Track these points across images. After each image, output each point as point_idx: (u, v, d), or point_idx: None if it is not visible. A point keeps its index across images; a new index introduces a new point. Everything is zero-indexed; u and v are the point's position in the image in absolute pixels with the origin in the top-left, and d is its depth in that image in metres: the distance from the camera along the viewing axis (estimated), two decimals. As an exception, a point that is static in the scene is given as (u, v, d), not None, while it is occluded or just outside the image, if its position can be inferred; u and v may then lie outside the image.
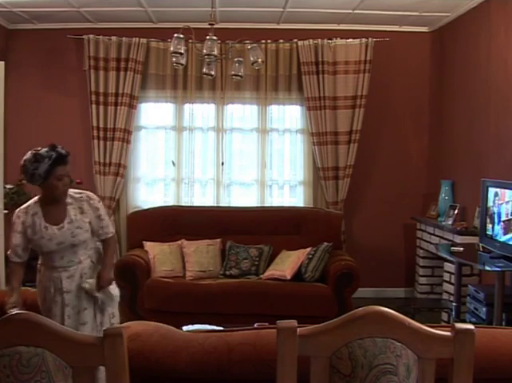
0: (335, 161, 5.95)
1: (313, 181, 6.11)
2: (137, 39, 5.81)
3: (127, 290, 4.94)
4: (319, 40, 5.84)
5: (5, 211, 5.33)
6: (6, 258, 5.43)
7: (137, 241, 5.37)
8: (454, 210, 5.14)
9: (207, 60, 4.29)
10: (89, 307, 3.09)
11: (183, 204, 5.98)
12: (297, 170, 6.20)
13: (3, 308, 2.85)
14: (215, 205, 6.02)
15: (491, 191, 4.07)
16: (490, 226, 4.07)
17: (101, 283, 3.08)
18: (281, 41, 5.93)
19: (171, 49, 4.08)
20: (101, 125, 5.88)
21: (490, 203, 4.07)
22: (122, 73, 5.84)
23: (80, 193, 3.20)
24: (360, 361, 1.46)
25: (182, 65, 4.29)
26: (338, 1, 5.19)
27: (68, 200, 3.11)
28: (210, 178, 6.13)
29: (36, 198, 3.08)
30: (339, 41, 5.88)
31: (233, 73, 4.56)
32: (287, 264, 5.04)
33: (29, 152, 2.94)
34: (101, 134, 5.89)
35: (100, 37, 5.84)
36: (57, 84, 6.04)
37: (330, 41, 5.86)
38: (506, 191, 3.87)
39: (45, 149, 2.96)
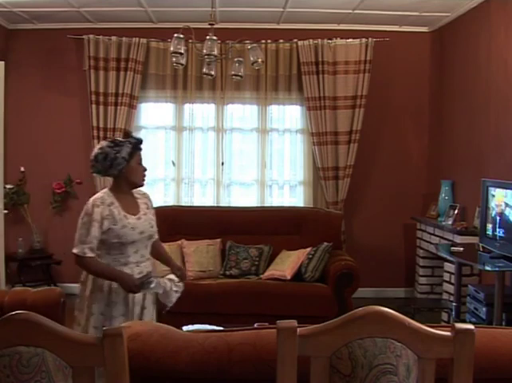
0: (335, 161, 5.95)
1: (313, 181, 6.11)
2: (137, 39, 5.81)
3: (127, 290, 4.94)
4: (319, 40, 5.84)
5: (5, 211, 5.34)
6: (6, 258, 5.46)
7: (137, 241, 5.36)
8: (454, 210, 5.14)
9: (207, 60, 4.29)
10: (149, 306, 3.06)
11: (183, 204, 5.98)
12: (297, 170, 6.20)
13: (3, 309, 2.84)
14: (215, 205, 6.02)
15: (491, 191, 4.07)
16: (490, 226, 4.07)
17: (184, 275, 3.14)
18: (281, 41, 5.93)
19: (171, 49, 4.08)
20: (101, 125, 5.89)
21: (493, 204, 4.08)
22: (122, 73, 5.84)
23: (140, 190, 3.15)
24: (360, 361, 1.46)
25: (182, 65, 4.29)
26: (338, 1, 5.19)
27: (135, 195, 3.09)
28: (210, 178, 6.14)
29: (106, 189, 2.99)
30: (339, 41, 5.88)
31: (233, 73, 4.56)
32: (287, 264, 5.04)
33: (102, 142, 2.94)
34: (101, 134, 5.89)
35: (100, 37, 5.84)
36: (57, 84, 6.04)
37: (330, 41, 5.87)
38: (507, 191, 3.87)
39: (112, 138, 2.99)
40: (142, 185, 3.07)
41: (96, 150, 2.91)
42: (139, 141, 2.97)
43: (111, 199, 2.93)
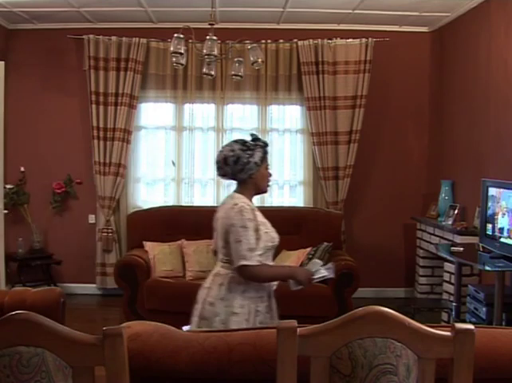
0: (335, 161, 5.95)
1: (313, 181, 6.11)
2: (137, 39, 5.81)
3: (127, 290, 4.94)
4: (319, 40, 5.84)
5: (5, 211, 5.34)
6: (6, 258, 5.46)
7: (137, 241, 5.37)
8: (454, 210, 5.14)
9: (207, 60, 4.29)
10: None
11: (183, 204, 5.99)
12: (297, 170, 6.20)
13: (3, 309, 2.84)
14: (215, 205, 6.02)
15: (491, 191, 4.07)
16: (490, 226, 4.07)
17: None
18: (281, 41, 5.93)
19: (171, 49, 4.08)
20: (101, 125, 5.89)
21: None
22: (122, 73, 5.84)
23: None
24: (360, 361, 1.46)
25: (182, 65, 4.29)
26: (338, 1, 5.19)
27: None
28: (210, 178, 6.14)
29: (239, 195, 2.79)
30: (339, 41, 5.88)
31: (233, 73, 4.56)
32: (287, 264, 5.03)
33: (233, 144, 2.78)
34: (101, 134, 5.89)
35: (100, 37, 5.84)
36: (57, 84, 6.04)
37: (330, 41, 5.87)
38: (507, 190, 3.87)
39: (242, 140, 2.83)
40: (266, 191, 2.96)
41: (225, 152, 2.75)
42: (267, 145, 2.89)
43: (250, 202, 2.78)
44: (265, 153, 2.85)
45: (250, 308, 2.73)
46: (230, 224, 2.67)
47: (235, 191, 2.83)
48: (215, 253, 3.06)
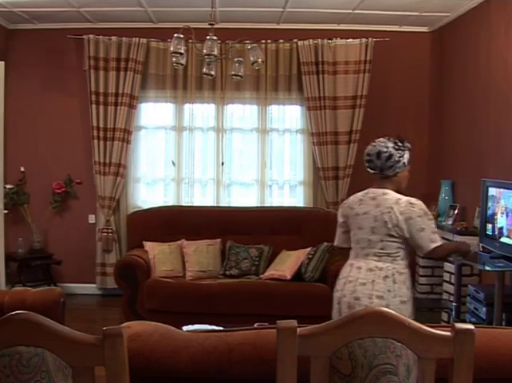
0: (335, 161, 5.95)
1: (313, 181, 6.11)
2: (137, 39, 5.81)
3: (127, 290, 4.94)
4: (319, 40, 5.84)
5: (5, 211, 5.33)
6: (6, 258, 5.46)
7: (137, 241, 5.37)
8: (454, 210, 5.14)
9: (207, 60, 4.29)
10: None
11: (183, 204, 5.99)
12: (297, 170, 6.20)
13: (3, 309, 2.84)
14: (215, 205, 6.02)
15: (491, 191, 4.07)
16: (490, 226, 4.07)
17: None
18: (281, 41, 5.93)
19: (171, 49, 4.08)
20: (101, 125, 5.89)
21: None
22: (122, 73, 5.84)
23: None
24: (360, 361, 1.46)
25: (182, 65, 4.29)
26: (338, 1, 5.19)
27: None
28: (210, 178, 6.14)
29: (390, 190, 2.97)
30: (339, 41, 5.88)
31: (233, 73, 4.56)
32: (287, 264, 5.04)
33: (387, 142, 2.96)
34: (101, 134, 5.89)
35: (100, 37, 5.84)
36: (57, 84, 6.04)
37: (330, 41, 5.87)
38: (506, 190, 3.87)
39: (393, 139, 2.99)
40: (403, 193, 3.08)
41: (379, 147, 2.92)
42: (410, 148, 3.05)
43: None
44: (410, 156, 3.05)
45: (411, 296, 2.99)
46: (407, 217, 2.84)
47: (381, 187, 2.96)
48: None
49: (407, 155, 2.99)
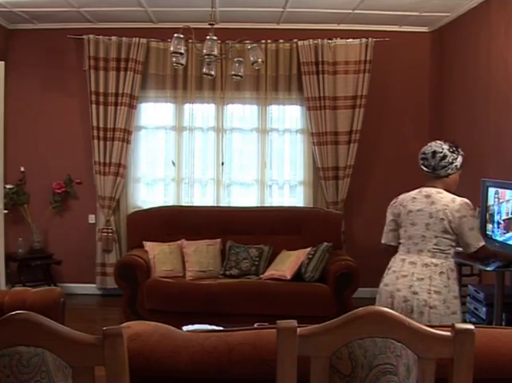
0: (335, 161, 5.95)
1: (313, 181, 6.11)
2: (137, 39, 5.81)
3: (127, 290, 4.94)
4: (319, 40, 5.84)
5: (5, 211, 5.33)
6: (6, 258, 5.46)
7: (137, 241, 5.37)
8: (454, 210, 5.13)
9: (207, 60, 4.29)
10: None
11: (183, 204, 5.99)
12: (297, 170, 6.20)
13: (3, 309, 2.84)
14: (215, 205, 6.02)
15: (491, 191, 4.07)
16: (490, 226, 4.06)
17: None
18: (281, 41, 5.93)
19: (171, 49, 4.08)
20: (101, 125, 5.89)
21: (491, 202, 4.08)
22: (122, 73, 5.84)
23: None
24: (360, 361, 1.46)
25: (182, 65, 4.29)
26: (338, 1, 5.19)
27: None
28: (210, 178, 6.14)
29: (443, 190, 3.09)
30: (339, 41, 5.88)
31: (233, 73, 4.56)
32: (287, 264, 5.04)
33: (441, 143, 3.10)
34: (101, 134, 5.89)
35: (100, 37, 5.84)
36: (57, 84, 6.04)
37: (330, 41, 5.87)
38: (506, 190, 3.87)
39: (449, 143, 3.13)
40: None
41: (435, 147, 3.07)
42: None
43: None
44: (463, 162, 3.18)
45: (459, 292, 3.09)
46: (462, 215, 2.97)
47: (434, 187, 3.09)
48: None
49: (460, 160, 3.12)
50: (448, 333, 1.47)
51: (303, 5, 5.34)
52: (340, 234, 5.54)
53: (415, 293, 2.96)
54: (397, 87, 6.13)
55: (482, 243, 3.02)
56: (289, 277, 4.93)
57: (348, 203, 6.00)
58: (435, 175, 3.10)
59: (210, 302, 4.75)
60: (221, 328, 2.75)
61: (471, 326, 1.47)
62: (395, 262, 3.18)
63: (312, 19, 5.77)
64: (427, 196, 3.08)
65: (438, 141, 3.13)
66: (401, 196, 3.28)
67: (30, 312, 1.44)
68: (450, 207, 2.99)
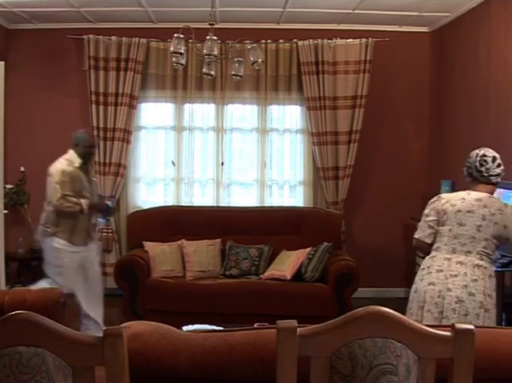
0: (335, 161, 5.95)
1: (313, 181, 6.11)
2: (137, 39, 5.81)
3: (127, 290, 4.94)
4: (319, 40, 5.84)
5: (5, 211, 5.33)
6: (6, 258, 5.46)
7: (137, 241, 5.37)
8: (454, 210, 5.13)
9: (207, 60, 4.29)
10: None
11: (183, 204, 5.98)
12: (297, 170, 6.20)
13: (3, 309, 2.84)
14: (215, 205, 6.02)
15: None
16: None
17: None
18: (281, 41, 5.93)
19: (171, 49, 4.08)
20: (101, 125, 5.89)
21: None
22: (122, 72, 5.84)
23: None
24: (360, 361, 1.46)
25: (182, 65, 4.29)
26: (338, 1, 5.19)
27: None
28: (209, 178, 6.14)
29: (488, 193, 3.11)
30: (339, 41, 5.88)
31: (233, 73, 4.56)
32: (287, 264, 5.04)
33: (492, 151, 3.18)
34: (101, 134, 5.89)
35: (100, 37, 5.84)
36: (57, 84, 6.04)
37: (330, 41, 5.87)
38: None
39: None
40: None
41: (494, 152, 3.16)
42: None
43: None
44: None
45: None
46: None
47: (482, 191, 3.08)
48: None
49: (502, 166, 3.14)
50: (448, 333, 1.47)
51: (303, 5, 5.34)
52: (340, 234, 5.54)
53: (471, 294, 2.90)
54: (397, 87, 6.13)
55: None
56: (289, 277, 4.93)
57: (348, 203, 6.00)
58: (487, 180, 3.09)
59: (210, 302, 4.75)
60: (221, 328, 2.75)
61: (471, 326, 1.47)
62: (438, 261, 3.06)
63: (312, 19, 5.77)
64: (478, 199, 3.04)
65: (487, 148, 3.19)
66: (446, 195, 3.24)
67: (30, 312, 1.44)
68: (504, 212, 2.98)
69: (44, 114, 6.04)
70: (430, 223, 3.18)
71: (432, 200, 3.24)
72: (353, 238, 6.09)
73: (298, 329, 1.45)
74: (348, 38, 5.88)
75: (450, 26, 5.69)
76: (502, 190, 3.93)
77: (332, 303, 4.72)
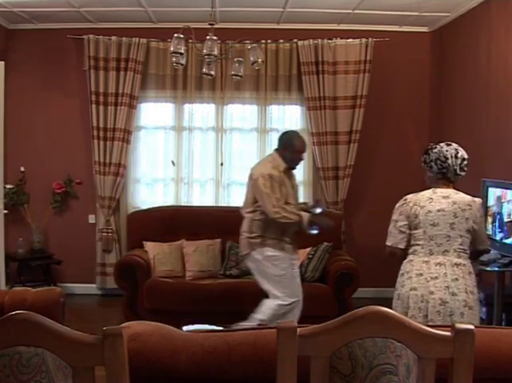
0: (335, 161, 5.95)
1: (312, 181, 6.11)
2: (137, 39, 5.81)
3: (127, 290, 4.94)
4: (319, 40, 5.84)
5: (5, 211, 5.33)
6: (6, 258, 5.46)
7: (137, 241, 5.37)
8: (454, 210, 5.13)
9: (207, 60, 4.29)
10: None
11: (183, 204, 5.98)
12: (297, 170, 6.17)
13: (3, 309, 2.84)
14: (215, 205, 6.02)
15: (491, 191, 4.07)
16: (489, 226, 4.06)
17: None
18: (281, 41, 5.93)
19: (171, 49, 4.08)
20: (101, 125, 5.89)
21: (491, 203, 4.08)
22: (122, 73, 5.84)
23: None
24: (360, 361, 1.46)
25: (182, 65, 4.29)
26: (338, 1, 5.19)
27: None
28: (209, 178, 6.13)
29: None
30: (339, 41, 5.88)
31: (233, 73, 4.56)
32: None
33: (455, 145, 3.15)
34: (101, 134, 5.89)
35: (100, 37, 5.84)
36: (57, 84, 6.04)
37: (330, 41, 5.87)
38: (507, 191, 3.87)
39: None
40: None
41: (455, 148, 3.11)
42: None
43: None
44: None
45: None
46: (482, 214, 3.08)
47: (448, 187, 3.10)
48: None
49: None
50: (448, 333, 1.47)
51: (303, 5, 5.34)
52: (340, 234, 5.54)
53: (453, 294, 2.87)
54: (397, 87, 6.13)
55: (487, 246, 3.14)
56: (289, 277, 4.92)
57: (348, 203, 6.00)
58: (451, 177, 3.08)
59: (210, 301, 4.75)
60: (221, 328, 2.75)
61: (471, 326, 1.47)
62: (416, 265, 3.02)
63: (312, 19, 5.77)
64: (445, 197, 3.02)
65: (446, 143, 3.11)
66: (411, 197, 3.14)
67: (30, 312, 1.44)
68: (473, 207, 3.00)
69: (44, 114, 6.04)
70: (401, 229, 3.15)
71: (399, 204, 3.19)
72: (353, 238, 6.08)
73: (298, 329, 1.45)
74: (348, 38, 5.88)
75: (450, 26, 5.69)
76: (502, 190, 3.93)
77: (332, 303, 4.73)
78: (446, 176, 3.06)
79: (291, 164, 4.11)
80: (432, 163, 3.06)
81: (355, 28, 5.94)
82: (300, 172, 6.15)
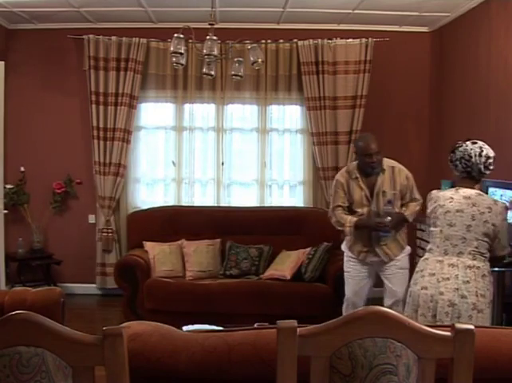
0: (335, 161, 5.95)
1: (312, 181, 6.11)
2: (137, 39, 5.80)
3: (127, 290, 4.94)
4: (319, 40, 5.84)
5: (5, 211, 5.33)
6: (6, 258, 5.46)
7: (137, 241, 5.37)
8: (454, 210, 5.13)
9: (207, 60, 4.29)
10: None
11: (183, 204, 5.98)
12: (297, 170, 6.19)
13: (3, 309, 2.84)
14: (215, 205, 6.02)
15: (491, 191, 4.07)
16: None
17: None
18: (281, 41, 5.93)
19: (171, 49, 4.08)
20: (101, 125, 5.88)
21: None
22: (122, 73, 5.84)
23: None
24: (360, 361, 1.46)
25: (182, 65, 4.29)
26: (338, 1, 5.19)
27: None
28: (210, 178, 6.13)
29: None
30: (339, 41, 5.88)
31: (233, 73, 4.56)
32: (287, 264, 5.04)
33: (481, 142, 3.10)
34: (101, 134, 5.89)
35: (100, 37, 5.84)
36: (57, 84, 6.04)
37: (330, 41, 5.87)
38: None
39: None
40: None
41: (479, 145, 3.06)
42: None
43: None
44: None
45: None
46: (503, 218, 2.97)
47: (471, 188, 3.04)
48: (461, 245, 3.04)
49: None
50: (448, 333, 1.47)
51: (303, 5, 5.34)
52: (340, 234, 5.54)
53: (463, 297, 2.87)
54: (397, 87, 6.13)
55: (506, 251, 3.06)
56: (288, 277, 4.93)
57: (348, 203, 5.99)
58: (478, 177, 3.05)
59: (210, 302, 4.75)
60: (221, 328, 2.75)
61: (471, 326, 1.47)
62: (430, 264, 3.02)
63: (312, 19, 5.77)
64: (466, 197, 2.99)
65: (471, 141, 3.09)
66: (435, 193, 3.17)
67: (30, 312, 1.44)
68: (493, 210, 2.94)
69: (44, 114, 6.04)
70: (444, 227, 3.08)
71: (428, 198, 3.23)
72: (353, 238, 6.07)
73: (298, 329, 1.45)
74: (348, 38, 5.88)
75: (450, 26, 5.69)
76: (502, 190, 3.93)
77: (332, 303, 4.72)
78: (471, 175, 3.04)
79: (363, 168, 3.99)
80: (457, 162, 3.06)
81: (355, 28, 5.94)
82: (300, 172, 6.17)
